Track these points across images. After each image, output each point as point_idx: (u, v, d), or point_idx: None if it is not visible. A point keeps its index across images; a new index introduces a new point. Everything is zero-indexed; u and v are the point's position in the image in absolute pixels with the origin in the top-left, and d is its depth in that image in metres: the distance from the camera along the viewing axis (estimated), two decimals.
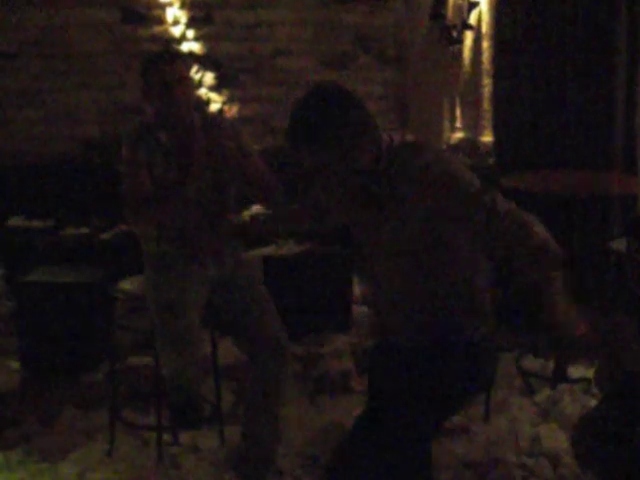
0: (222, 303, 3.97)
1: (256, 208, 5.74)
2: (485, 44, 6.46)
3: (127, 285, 4.23)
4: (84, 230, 6.22)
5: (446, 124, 7.07)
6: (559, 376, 4.79)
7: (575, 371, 4.90)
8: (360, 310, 5.95)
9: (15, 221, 6.35)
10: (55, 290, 5.14)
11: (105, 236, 6.14)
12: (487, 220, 2.67)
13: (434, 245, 2.77)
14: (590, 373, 4.79)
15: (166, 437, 4.24)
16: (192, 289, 3.84)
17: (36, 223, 6.37)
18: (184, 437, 4.32)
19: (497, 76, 6.09)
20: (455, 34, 6.67)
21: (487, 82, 6.43)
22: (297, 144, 2.68)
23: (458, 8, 6.66)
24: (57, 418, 4.58)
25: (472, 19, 6.55)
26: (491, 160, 6.52)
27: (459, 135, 6.91)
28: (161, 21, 7.05)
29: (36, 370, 5.12)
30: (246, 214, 5.66)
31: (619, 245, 4.59)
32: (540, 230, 2.71)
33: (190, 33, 7.13)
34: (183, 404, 4.06)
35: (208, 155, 3.86)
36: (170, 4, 7.05)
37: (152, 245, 3.98)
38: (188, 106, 3.86)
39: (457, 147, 6.93)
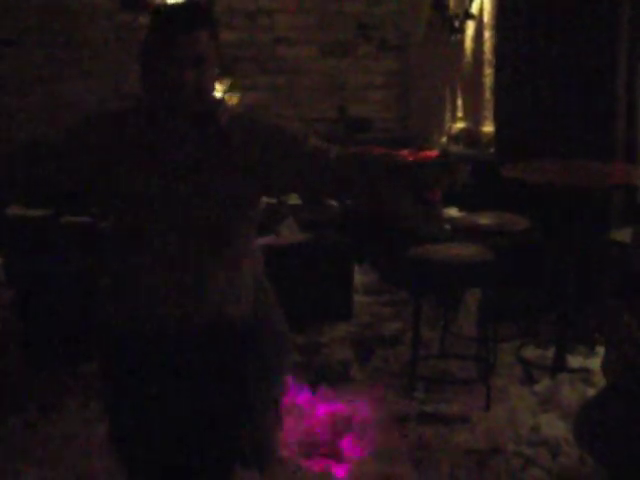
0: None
1: None
2: (487, 34, 6.44)
3: None
4: (84, 218, 6.20)
5: (447, 114, 7.06)
6: (559, 365, 4.80)
7: (574, 360, 4.90)
8: (361, 299, 5.95)
9: (14, 209, 6.33)
10: (55, 279, 5.13)
11: (104, 225, 6.12)
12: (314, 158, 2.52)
13: (239, 207, 2.55)
14: (590, 363, 4.80)
15: None
16: None
17: (35, 211, 6.35)
18: None
19: (498, 66, 6.07)
20: (457, 24, 6.66)
21: (488, 72, 6.42)
22: (195, 27, 2.37)
23: None
24: (57, 406, 4.58)
25: (474, 8, 6.53)
26: (492, 150, 6.51)
27: (460, 125, 6.90)
28: None
29: (38, 358, 5.11)
30: None
31: (621, 236, 4.59)
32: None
33: None
34: None
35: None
36: None
37: None
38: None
39: (458, 136, 6.92)
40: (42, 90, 6.85)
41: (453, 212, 6.10)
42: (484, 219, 5.03)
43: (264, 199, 2.91)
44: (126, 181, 2.46)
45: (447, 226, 5.65)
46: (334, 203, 6.83)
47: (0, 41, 6.65)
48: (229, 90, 7.17)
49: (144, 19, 6.91)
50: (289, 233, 5.87)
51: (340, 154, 2.51)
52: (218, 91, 7.08)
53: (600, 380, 4.04)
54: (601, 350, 4.20)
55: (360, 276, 6.24)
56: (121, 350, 2.61)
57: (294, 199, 6.32)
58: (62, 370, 4.99)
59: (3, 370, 5.02)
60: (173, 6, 2.46)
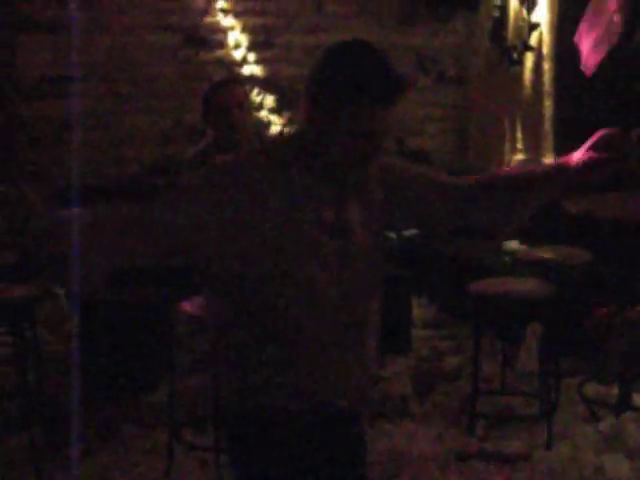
0: None
1: None
2: (546, 65, 6.42)
3: (188, 306, 4.25)
4: None
5: (507, 145, 7.03)
6: (623, 403, 4.71)
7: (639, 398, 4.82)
8: (419, 333, 5.92)
9: None
10: (117, 309, 5.19)
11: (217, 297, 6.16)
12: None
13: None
14: None
15: (224, 458, 4.24)
16: None
17: None
18: None
19: (558, 97, 6.04)
20: (516, 55, 6.65)
21: (548, 104, 6.39)
22: (398, 95, 2.14)
23: (518, 29, 6.64)
24: (117, 437, 4.62)
25: (533, 40, 6.52)
26: None
27: (520, 156, 6.86)
28: (223, 45, 7.13)
29: (98, 388, 5.16)
30: None
31: None
32: None
33: (251, 56, 7.20)
34: None
35: None
36: (232, 28, 7.13)
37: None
38: (246, 131, 3.90)
39: None
40: (106, 125, 6.95)
41: (514, 245, 6.06)
42: (545, 252, 4.99)
43: None
44: (276, 245, 2.16)
45: (507, 259, 5.62)
46: (393, 235, 6.82)
47: (67, 78, 6.76)
48: (288, 124, 7.23)
49: (205, 55, 7.01)
50: None
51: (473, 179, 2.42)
52: (276, 124, 7.15)
53: None
54: None
55: (419, 309, 6.21)
56: (293, 433, 2.25)
57: None
58: (123, 400, 5.03)
59: (65, 399, 5.08)
60: (374, 75, 2.15)
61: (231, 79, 4.27)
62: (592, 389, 4.99)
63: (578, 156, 2.36)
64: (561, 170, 2.38)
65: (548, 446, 4.36)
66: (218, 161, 3.91)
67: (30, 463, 4.27)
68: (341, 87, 2.13)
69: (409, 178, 2.38)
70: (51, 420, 4.67)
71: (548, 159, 6.43)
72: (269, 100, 7.25)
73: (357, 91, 2.12)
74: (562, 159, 2.42)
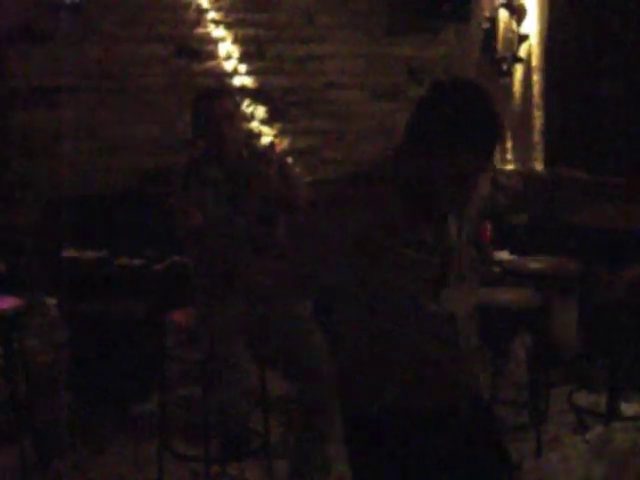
0: (266, 336, 3.98)
1: None
2: (535, 77, 6.45)
3: (178, 316, 4.26)
4: (137, 261, 6.28)
5: (497, 155, 7.06)
6: (612, 413, 4.73)
7: (628, 408, 4.83)
8: None
9: (69, 252, 6.43)
10: (107, 320, 5.20)
11: (158, 267, 6.19)
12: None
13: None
14: None
15: (215, 469, 4.25)
16: (238, 322, 3.86)
17: (90, 254, 6.44)
18: (232, 469, 4.33)
19: (547, 108, 6.07)
20: (505, 67, 6.67)
21: (538, 114, 6.42)
22: (494, 145, 2.20)
23: (508, 41, 6.67)
24: (107, 448, 4.62)
25: (522, 52, 6.54)
26: None
27: (510, 166, 6.89)
28: (214, 56, 7.14)
29: (87, 399, 5.16)
30: None
31: None
32: None
33: (242, 67, 7.21)
34: (232, 436, 4.08)
35: (255, 188, 3.89)
36: (223, 39, 7.14)
37: (202, 278, 4.02)
38: (236, 142, 3.91)
39: (508, 178, 6.90)
40: (97, 136, 6.96)
41: (504, 255, 6.07)
42: (535, 263, 5.00)
43: None
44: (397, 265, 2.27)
45: (497, 269, 5.62)
46: None
47: (58, 88, 6.77)
48: (279, 135, 7.25)
49: (196, 66, 7.03)
50: None
51: None
52: (267, 135, 7.17)
53: None
54: None
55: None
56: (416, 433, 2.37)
57: None
58: (113, 411, 5.03)
59: (54, 410, 5.08)
60: (482, 128, 2.17)
61: (219, 90, 4.27)
62: (582, 398, 5.00)
63: None
64: None
65: (538, 455, 4.37)
66: (212, 172, 3.93)
67: (20, 475, 4.27)
68: (447, 135, 2.14)
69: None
70: (41, 431, 4.67)
71: (537, 169, 6.47)
72: (260, 111, 7.26)
73: (462, 142, 2.13)
74: None
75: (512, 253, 6.03)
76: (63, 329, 5.78)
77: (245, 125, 7.01)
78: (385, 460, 2.35)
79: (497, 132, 2.19)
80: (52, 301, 6.14)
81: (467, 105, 2.16)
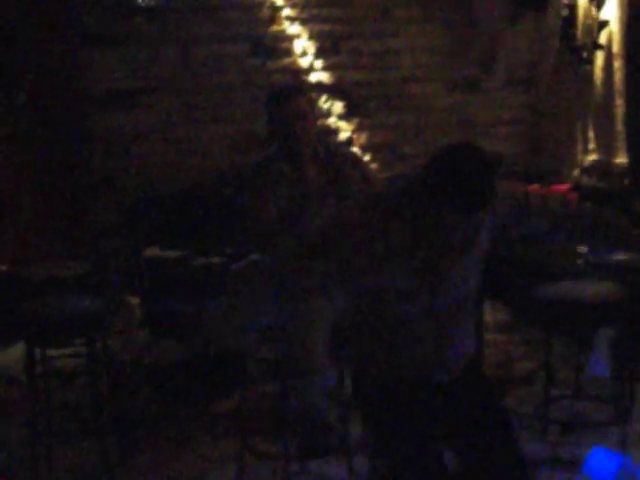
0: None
1: None
2: (616, 64, 6.30)
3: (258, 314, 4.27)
4: (215, 260, 6.31)
5: (579, 146, 6.93)
6: None
7: None
8: (492, 337, 5.86)
9: (150, 251, 6.49)
10: (187, 320, 5.23)
11: (236, 266, 6.21)
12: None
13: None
14: None
15: (295, 466, 4.25)
16: (320, 320, 3.85)
17: (170, 253, 6.49)
18: (312, 466, 4.32)
19: (629, 96, 5.93)
20: (585, 54, 6.54)
21: (619, 102, 6.27)
22: (475, 212, 2.59)
23: (588, 28, 6.53)
24: (188, 446, 4.65)
25: (602, 39, 6.40)
26: (626, 182, 6.34)
27: (592, 157, 6.75)
28: (290, 53, 7.16)
29: (169, 397, 5.20)
30: None
31: None
32: None
33: (318, 63, 7.21)
34: (312, 433, 4.07)
35: (331, 185, 3.88)
36: (298, 36, 7.15)
37: (276, 275, 4.02)
38: (309, 140, 3.89)
39: (590, 169, 6.77)
40: (175, 135, 7.03)
41: (586, 248, 5.96)
42: (617, 255, 4.90)
43: None
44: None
45: (579, 262, 5.52)
46: None
47: (139, 90, 6.87)
48: (357, 130, 7.23)
49: (272, 63, 7.05)
50: None
51: None
52: (345, 131, 7.15)
53: None
54: None
55: (492, 313, 6.14)
56: (401, 396, 2.93)
57: None
58: (193, 409, 5.07)
59: (135, 408, 5.14)
60: (469, 195, 2.54)
61: (293, 89, 4.25)
62: None
63: None
64: None
65: (623, 452, 4.27)
66: (285, 170, 3.93)
67: (103, 472, 4.32)
68: (444, 196, 2.51)
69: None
70: (123, 429, 4.72)
71: (620, 159, 6.33)
72: (337, 106, 7.25)
73: (450, 206, 2.52)
74: None
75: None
76: (145, 329, 5.86)
77: (322, 122, 7.01)
78: (391, 412, 2.93)
79: (485, 197, 2.52)
80: (134, 301, 6.23)
81: (457, 171, 2.53)
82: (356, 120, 7.30)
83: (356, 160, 4.19)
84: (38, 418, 4.64)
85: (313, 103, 4.14)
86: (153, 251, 6.53)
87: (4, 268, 5.99)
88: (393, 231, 2.70)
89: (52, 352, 5.14)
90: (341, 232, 2.80)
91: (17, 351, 5.60)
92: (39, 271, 5.14)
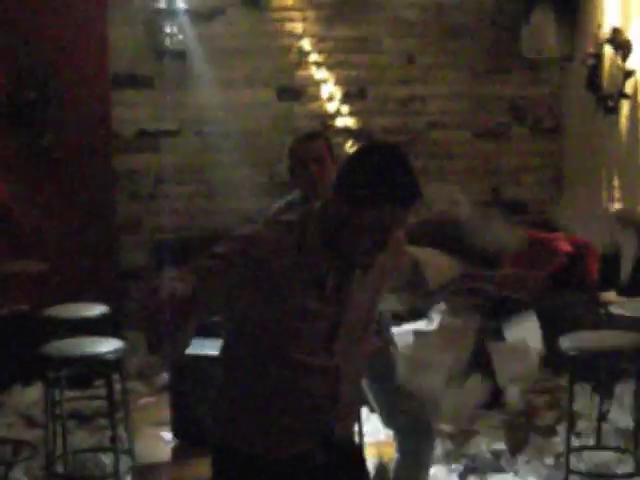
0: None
1: None
2: None
3: None
4: None
5: (604, 194, 6.91)
6: None
7: None
8: (514, 386, 5.81)
9: None
10: (206, 362, 5.22)
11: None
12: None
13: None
14: None
15: None
16: None
17: None
18: None
19: None
20: (611, 104, 6.54)
21: None
22: (417, 199, 2.41)
23: (613, 77, 6.53)
24: None
25: (628, 88, 6.40)
26: None
27: (618, 205, 6.73)
28: (316, 97, 7.21)
29: (188, 441, 5.19)
30: None
31: None
32: None
33: (345, 108, 7.25)
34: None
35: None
36: (325, 81, 7.20)
37: None
38: (327, 184, 3.90)
39: (617, 217, 6.74)
40: (200, 179, 7.08)
41: (611, 296, 5.92)
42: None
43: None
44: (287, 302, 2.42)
45: (602, 311, 5.49)
46: (489, 287, 6.72)
47: (161, 133, 6.93)
48: None
49: (299, 107, 7.09)
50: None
51: None
52: None
53: None
54: None
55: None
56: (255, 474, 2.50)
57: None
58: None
59: (155, 452, 5.13)
60: (399, 182, 2.39)
61: (313, 133, 4.27)
62: None
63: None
64: None
65: None
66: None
67: None
68: (368, 191, 2.35)
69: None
70: (141, 473, 4.71)
71: None
72: None
73: (382, 196, 2.34)
74: None
75: (619, 295, 5.88)
76: (165, 371, 5.85)
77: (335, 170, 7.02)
78: None
79: (416, 188, 2.38)
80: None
81: (385, 165, 2.38)
82: None
83: None
84: (56, 460, 4.65)
85: (333, 148, 4.14)
86: None
87: (25, 308, 6.02)
88: (305, 252, 2.40)
89: (71, 393, 5.15)
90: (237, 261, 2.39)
91: (36, 392, 5.61)
92: (59, 312, 5.16)
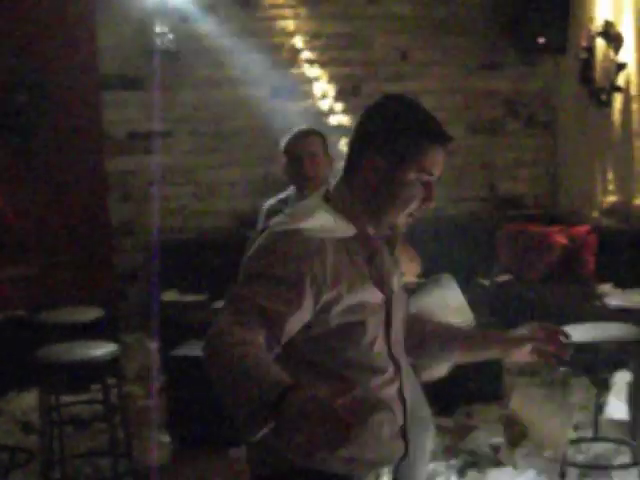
0: None
1: None
2: (635, 106, 6.29)
3: None
4: None
5: (598, 188, 6.90)
6: None
7: None
8: (514, 380, 5.80)
9: (169, 296, 6.50)
10: (201, 364, 5.21)
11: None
12: None
13: None
14: None
15: None
16: None
17: (189, 297, 6.50)
18: None
19: None
20: (604, 97, 6.53)
21: (638, 144, 6.25)
22: (450, 137, 2.27)
23: (606, 70, 6.53)
24: None
25: (620, 81, 6.39)
26: None
27: (612, 198, 6.72)
28: (309, 95, 7.19)
29: (186, 444, 5.18)
30: None
31: None
32: None
33: (338, 106, 7.23)
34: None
35: None
36: (318, 79, 7.18)
37: None
38: (320, 181, 3.89)
39: (610, 210, 6.74)
40: (193, 179, 7.06)
41: (607, 288, 5.92)
42: (637, 297, 4.86)
43: None
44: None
45: (598, 303, 5.48)
46: (486, 282, 6.73)
47: (153, 133, 6.91)
48: None
49: (292, 106, 7.07)
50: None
51: None
52: None
53: None
54: None
55: None
56: None
57: None
58: (210, 456, 5.04)
59: (152, 454, 5.11)
60: (428, 118, 2.26)
61: (306, 130, 4.27)
62: None
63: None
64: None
65: None
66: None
67: None
68: (407, 136, 2.18)
69: None
70: (140, 475, 4.70)
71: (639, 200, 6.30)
72: None
73: (422, 135, 2.19)
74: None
75: (615, 286, 5.88)
76: (161, 373, 5.84)
77: (340, 164, 7.01)
78: None
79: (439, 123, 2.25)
80: (153, 345, 6.22)
81: (410, 106, 2.25)
82: None
83: None
84: (54, 466, 4.64)
85: (327, 145, 4.13)
86: (171, 295, 6.54)
87: (20, 313, 6.01)
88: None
89: (68, 398, 5.14)
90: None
91: (32, 397, 5.60)
92: (55, 316, 5.15)
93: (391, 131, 2.20)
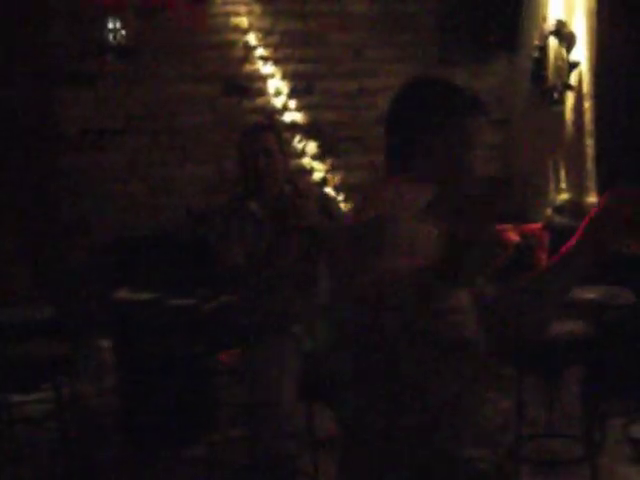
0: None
1: None
2: (586, 104, 6.35)
3: (226, 357, 4.24)
4: (188, 301, 6.27)
5: (550, 186, 6.95)
6: None
7: None
8: None
9: (121, 293, 6.44)
10: (157, 362, 5.18)
11: (207, 308, 6.17)
12: None
13: None
14: None
15: None
16: (284, 361, 3.82)
17: (143, 295, 6.44)
18: None
19: (599, 136, 5.96)
20: (556, 95, 6.58)
21: (590, 142, 6.31)
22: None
23: (558, 69, 6.58)
24: None
25: (573, 79, 6.45)
26: None
27: (564, 196, 6.78)
28: (263, 93, 7.17)
29: (139, 443, 5.15)
30: None
31: None
32: None
33: (292, 103, 7.22)
34: (279, 478, 4.02)
35: (294, 224, 3.86)
36: (272, 76, 7.17)
37: (246, 317, 4.00)
38: (275, 177, 3.89)
39: (562, 208, 6.79)
40: (146, 177, 7.02)
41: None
42: (588, 293, 4.89)
43: None
44: None
45: None
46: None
47: (105, 131, 6.85)
48: (331, 170, 7.23)
49: (246, 103, 7.05)
50: None
51: None
52: (319, 171, 7.15)
53: None
54: None
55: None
56: None
57: None
58: (164, 454, 5.01)
59: (106, 453, 5.08)
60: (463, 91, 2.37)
61: (260, 126, 4.26)
62: (638, 430, 4.87)
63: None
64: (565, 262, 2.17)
65: None
66: (253, 208, 3.91)
67: None
68: (451, 111, 2.30)
69: None
70: (92, 475, 4.67)
71: (591, 198, 6.35)
72: (311, 147, 7.25)
73: (465, 107, 2.31)
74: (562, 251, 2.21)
75: None
76: (114, 373, 5.80)
77: (296, 162, 7.02)
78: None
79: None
80: (105, 344, 6.17)
81: (445, 84, 2.37)
82: (330, 160, 7.30)
83: (325, 200, 4.17)
84: (4, 466, 4.59)
85: (282, 141, 4.13)
86: (125, 293, 6.48)
87: None
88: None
89: (18, 398, 5.09)
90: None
91: None
92: (4, 315, 5.10)
93: (441, 112, 2.28)
